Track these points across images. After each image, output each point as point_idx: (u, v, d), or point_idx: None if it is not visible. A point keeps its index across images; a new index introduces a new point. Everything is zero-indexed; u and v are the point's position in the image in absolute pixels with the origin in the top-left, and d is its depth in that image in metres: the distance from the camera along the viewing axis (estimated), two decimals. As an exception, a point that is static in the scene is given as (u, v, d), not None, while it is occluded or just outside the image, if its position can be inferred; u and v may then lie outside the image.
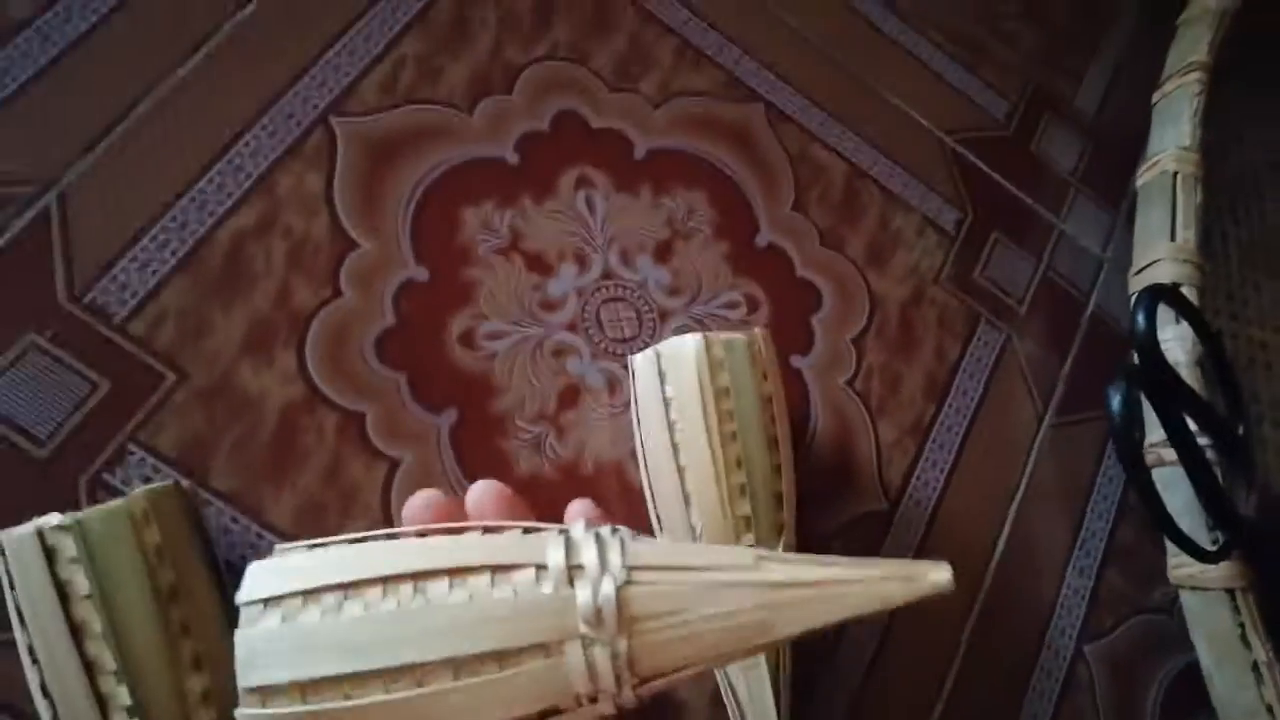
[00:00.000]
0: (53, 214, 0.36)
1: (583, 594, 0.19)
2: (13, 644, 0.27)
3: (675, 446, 0.36)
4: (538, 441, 0.40)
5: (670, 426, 0.36)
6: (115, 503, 0.28)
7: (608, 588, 0.19)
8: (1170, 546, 0.46)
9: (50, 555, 0.26)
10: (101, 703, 0.26)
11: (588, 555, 0.20)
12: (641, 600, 0.20)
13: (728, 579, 0.20)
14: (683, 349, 0.36)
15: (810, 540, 0.41)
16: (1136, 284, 0.51)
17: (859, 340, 0.47)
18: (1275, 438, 0.55)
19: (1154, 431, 0.45)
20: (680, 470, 0.36)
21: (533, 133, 0.44)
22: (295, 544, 0.21)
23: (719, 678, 0.37)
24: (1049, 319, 0.52)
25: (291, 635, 0.19)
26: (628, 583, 0.20)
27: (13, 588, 0.27)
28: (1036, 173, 0.56)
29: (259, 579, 0.20)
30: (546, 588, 0.20)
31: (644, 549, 0.21)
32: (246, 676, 0.19)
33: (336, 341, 0.38)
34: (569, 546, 0.20)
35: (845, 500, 0.44)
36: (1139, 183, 0.54)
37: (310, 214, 0.39)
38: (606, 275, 0.43)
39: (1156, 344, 0.41)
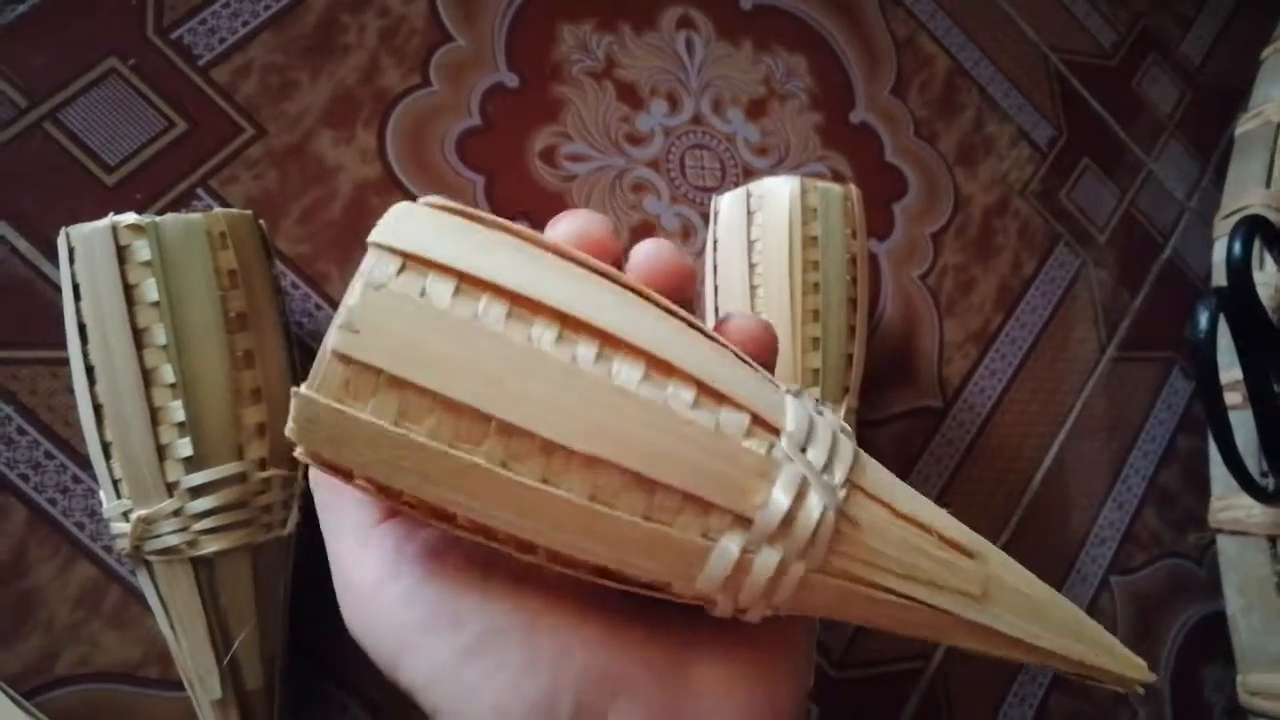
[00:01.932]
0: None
1: (789, 488, 0.15)
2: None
3: (754, 289, 0.35)
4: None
5: (751, 268, 0.35)
6: (193, 215, 0.26)
7: (827, 509, 0.15)
8: (1216, 489, 0.45)
9: (122, 255, 0.25)
10: (154, 415, 0.25)
11: (815, 448, 0.16)
12: (852, 536, 0.16)
13: (948, 566, 0.17)
14: (777, 189, 0.35)
15: (863, 424, 0.40)
16: (1223, 228, 0.49)
17: (938, 236, 0.45)
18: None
19: (1225, 371, 0.43)
20: (755, 311, 0.35)
21: (641, -38, 0.42)
22: (448, 203, 0.17)
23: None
24: (1126, 253, 0.50)
25: (424, 318, 0.15)
26: (845, 503, 0.16)
27: (77, 296, 0.25)
28: (1134, 108, 0.54)
29: (409, 223, 0.15)
30: (758, 448, 0.16)
31: (874, 471, 0.17)
32: (341, 339, 0.14)
33: (419, 131, 0.36)
34: (800, 417, 0.16)
35: (902, 390, 0.42)
36: (1239, 130, 0.52)
37: (409, -4, 0.37)
38: (696, 120, 0.41)
39: (1249, 270, 0.39)
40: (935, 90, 0.47)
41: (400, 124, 0.36)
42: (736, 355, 0.17)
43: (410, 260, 0.15)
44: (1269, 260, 0.46)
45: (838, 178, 0.43)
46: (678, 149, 0.41)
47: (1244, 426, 0.42)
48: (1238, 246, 0.40)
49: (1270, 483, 0.42)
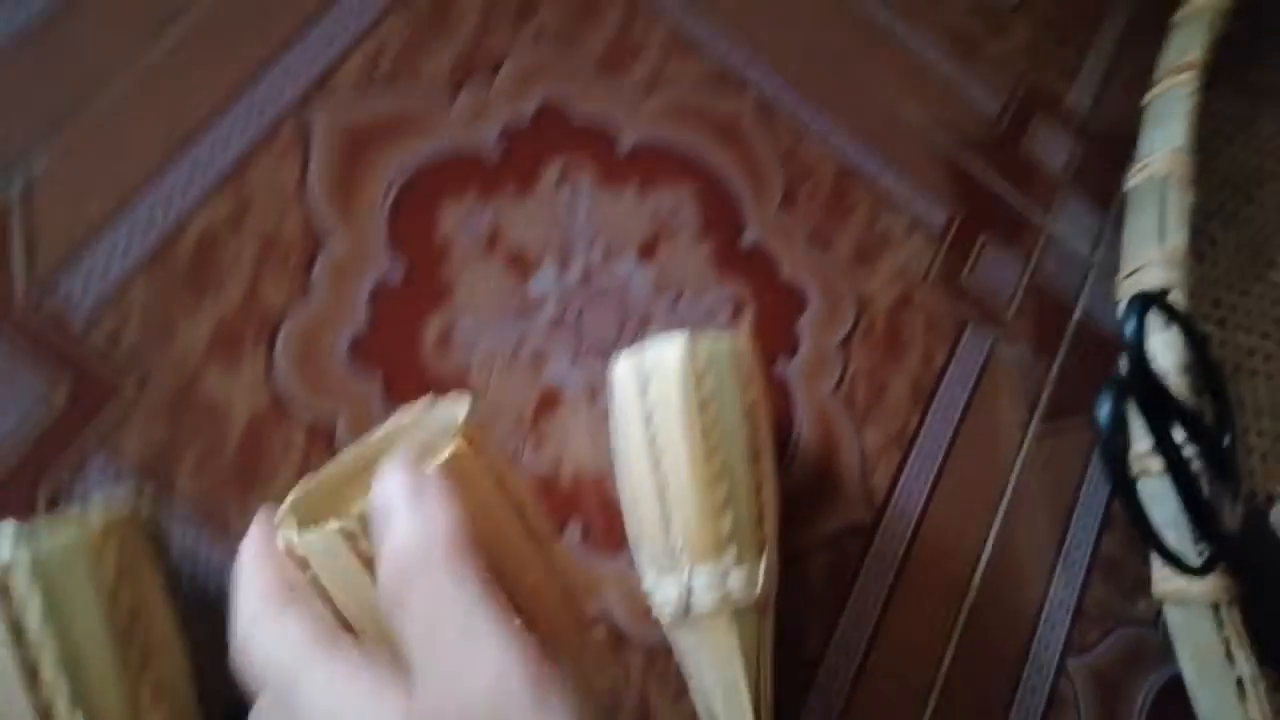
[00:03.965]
0: (13, 206, 0.34)
1: None
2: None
3: (655, 459, 0.35)
4: (514, 452, 0.38)
5: (651, 438, 0.35)
6: (69, 529, 0.26)
7: None
8: (1155, 560, 0.45)
9: (3, 591, 0.25)
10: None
11: None
12: None
13: None
14: (665, 356, 0.35)
15: (792, 555, 0.41)
16: (1125, 288, 0.50)
17: (845, 344, 0.46)
18: (1261, 445, 0.54)
19: (1140, 441, 0.44)
20: (660, 484, 0.35)
21: (516, 124, 0.43)
22: None
23: (696, 703, 0.36)
24: (1037, 323, 0.51)
25: None
26: None
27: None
28: (1027, 172, 0.55)
29: None
30: None
31: None
32: None
33: (307, 344, 0.37)
34: None
35: (829, 510, 0.43)
36: (1129, 185, 0.53)
37: (282, 209, 0.38)
38: (588, 274, 0.42)
39: (1145, 352, 0.40)
40: (824, 196, 0.48)
41: (287, 342, 0.36)
42: None
43: None
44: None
45: (735, 306, 0.44)
46: (574, 307, 0.41)
47: (1171, 493, 0.42)
48: (1131, 327, 0.40)
49: (1203, 548, 0.42)
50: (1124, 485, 0.38)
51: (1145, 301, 0.42)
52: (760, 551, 0.35)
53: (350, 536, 0.25)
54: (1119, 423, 0.39)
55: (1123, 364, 0.40)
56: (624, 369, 0.36)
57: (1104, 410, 0.38)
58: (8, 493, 0.31)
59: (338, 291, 0.38)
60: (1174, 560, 0.39)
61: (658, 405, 0.35)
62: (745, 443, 0.35)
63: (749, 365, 0.36)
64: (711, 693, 0.35)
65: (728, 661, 0.34)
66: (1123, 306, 0.49)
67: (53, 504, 0.32)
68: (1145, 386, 0.40)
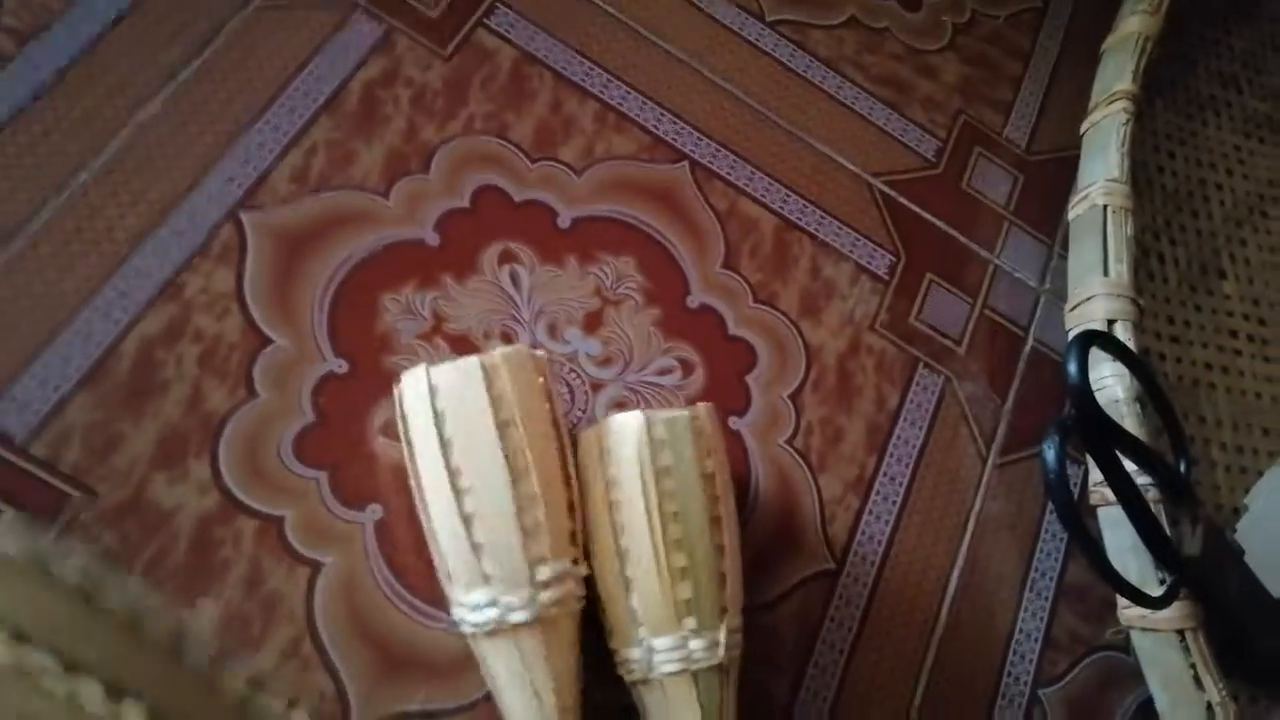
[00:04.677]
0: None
1: None
2: None
3: (615, 527, 0.35)
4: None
5: (610, 507, 0.36)
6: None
7: None
8: (1119, 587, 0.46)
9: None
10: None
11: None
12: None
13: None
14: (624, 429, 0.36)
15: (757, 608, 0.41)
16: (1072, 320, 0.51)
17: (796, 396, 0.46)
18: (1224, 458, 0.55)
19: (1098, 471, 0.44)
20: (621, 553, 0.35)
21: (453, 211, 0.44)
22: None
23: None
24: (988, 357, 0.52)
25: None
26: None
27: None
28: (969, 209, 0.56)
29: None
30: None
31: None
32: None
33: (252, 445, 0.37)
34: None
35: (791, 562, 0.43)
36: (1071, 216, 0.54)
37: (221, 314, 0.38)
38: (534, 350, 0.43)
39: (1090, 392, 0.40)
40: (766, 251, 0.49)
41: (232, 443, 0.37)
42: None
43: None
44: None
45: (686, 368, 0.45)
46: (520, 383, 0.42)
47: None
48: (1074, 368, 0.41)
49: (1164, 575, 0.43)
50: (1077, 529, 0.38)
51: (1085, 340, 0.42)
52: (721, 617, 0.35)
53: (490, 370, 0.33)
54: (1066, 467, 0.40)
55: (1068, 405, 0.41)
56: (584, 441, 0.37)
57: (1051, 454, 0.39)
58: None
59: (281, 389, 0.38)
60: (1132, 593, 0.39)
61: (618, 476, 0.35)
62: (706, 512, 0.36)
63: (709, 436, 0.37)
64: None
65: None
66: (1076, 326, 0.50)
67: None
68: (1091, 425, 0.41)
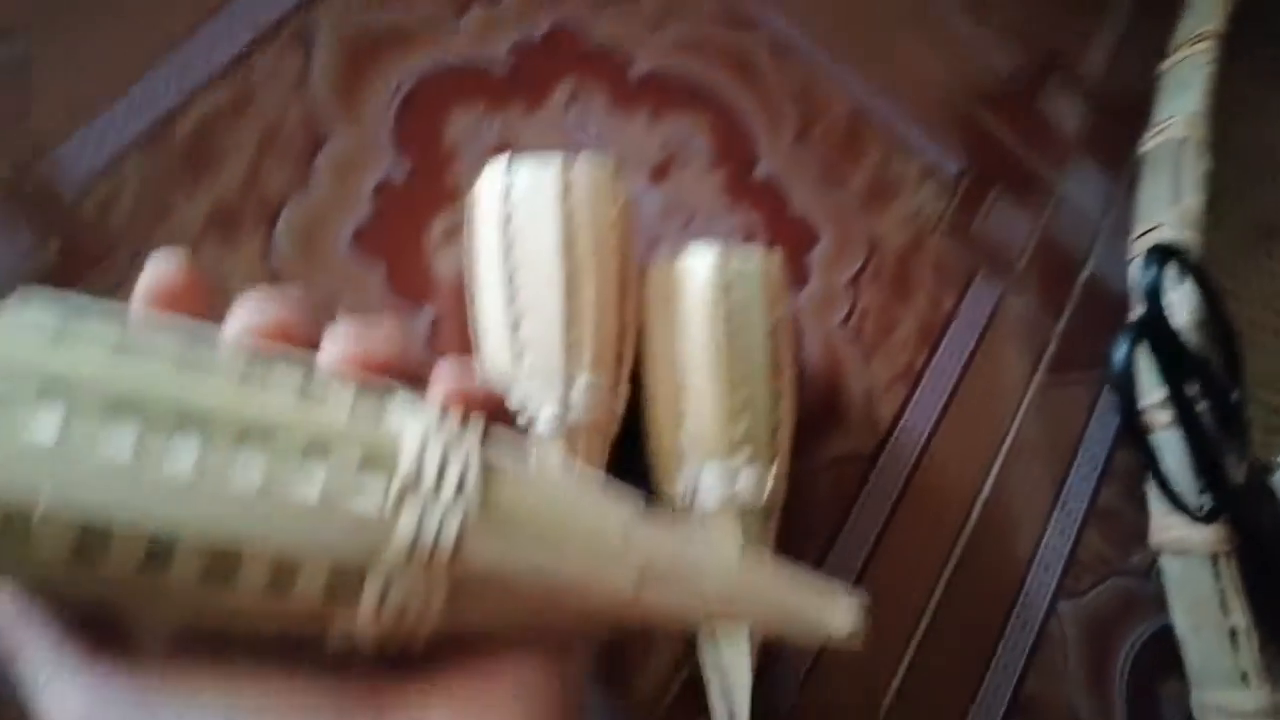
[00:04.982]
0: (12, 71, 0.33)
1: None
2: None
3: (676, 361, 0.34)
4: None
5: (674, 341, 0.35)
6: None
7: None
8: (1154, 510, 0.45)
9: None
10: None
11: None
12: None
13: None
14: (698, 262, 0.35)
15: (797, 475, 0.40)
16: (1137, 248, 0.50)
17: (854, 281, 0.45)
18: (1260, 417, 0.54)
19: (1147, 396, 0.43)
20: (679, 385, 0.34)
21: (524, 42, 0.42)
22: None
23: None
24: (1045, 278, 0.51)
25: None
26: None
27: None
28: (1040, 132, 0.54)
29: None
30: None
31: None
32: None
33: (309, 229, 0.36)
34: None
35: (833, 438, 0.42)
36: (1145, 149, 0.53)
37: (286, 99, 0.37)
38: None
39: (1163, 300, 0.39)
40: (838, 135, 0.48)
41: (288, 226, 0.35)
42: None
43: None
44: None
45: (746, 236, 0.43)
46: (580, 222, 0.40)
47: (1173, 449, 0.42)
48: (1150, 276, 0.40)
49: (1204, 502, 0.42)
50: (1135, 425, 0.37)
51: (1164, 253, 0.41)
52: (771, 462, 0.34)
53: (570, 174, 0.33)
54: (1130, 372, 0.39)
55: (1137, 314, 0.40)
56: (656, 273, 0.36)
57: (1120, 353, 0.38)
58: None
59: (341, 184, 0.37)
60: (1180, 505, 0.39)
61: (686, 307, 0.34)
62: (767, 357, 0.35)
63: (778, 285, 0.36)
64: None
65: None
66: (1136, 263, 0.49)
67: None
68: (1160, 334, 0.40)
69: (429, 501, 0.15)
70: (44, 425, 0.14)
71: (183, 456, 0.15)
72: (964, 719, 0.40)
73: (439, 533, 0.15)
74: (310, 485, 0.15)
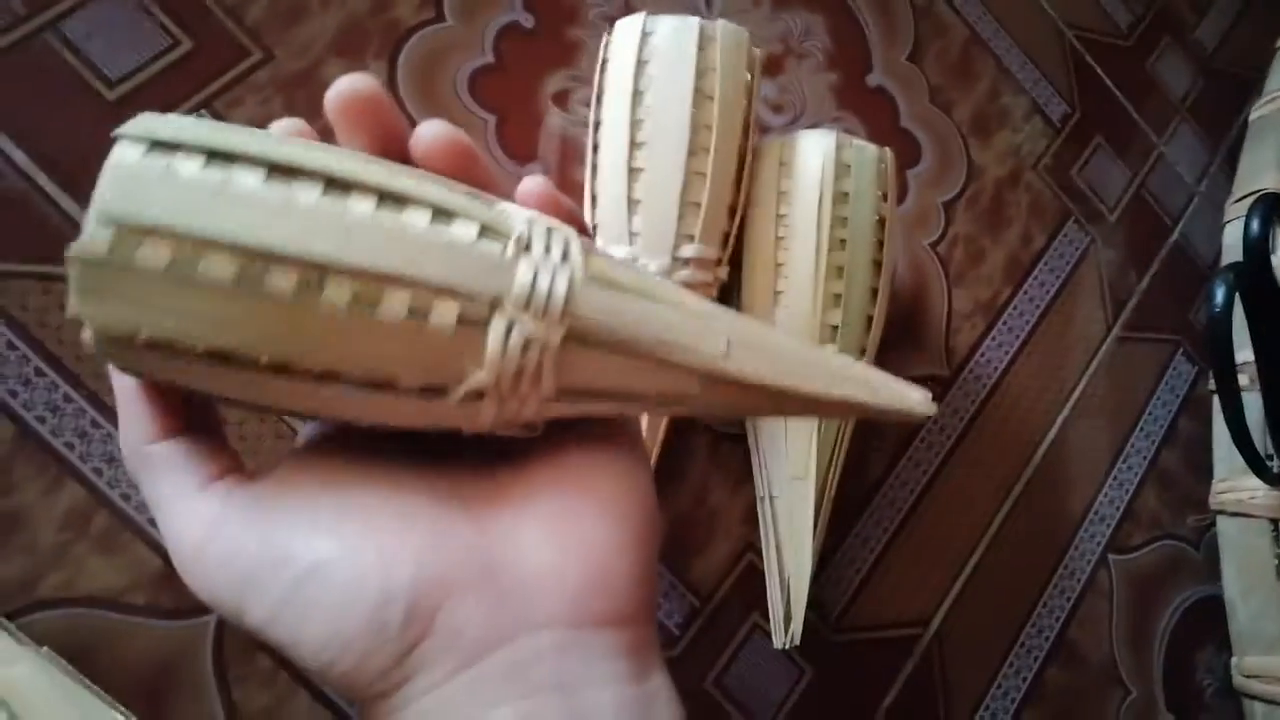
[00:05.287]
0: None
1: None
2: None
3: (779, 240, 0.34)
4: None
5: (778, 219, 0.34)
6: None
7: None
8: (1219, 470, 0.45)
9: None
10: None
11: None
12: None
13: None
14: (813, 142, 0.34)
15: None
16: (1235, 211, 0.49)
17: (950, 205, 0.45)
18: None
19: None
20: (777, 266, 0.34)
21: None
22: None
23: (757, 490, 0.35)
24: (1134, 234, 0.50)
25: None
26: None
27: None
28: (1147, 90, 0.53)
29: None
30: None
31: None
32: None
33: (430, 66, 0.35)
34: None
35: (909, 357, 0.42)
36: (1253, 115, 0.52)
37: (424, -73, 0.36)
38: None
39: (1267, 248, 0.39)
40: (952, 59, 0.47)
41: (411, 58, 0.35)
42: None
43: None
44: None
45: (852, 140, 0.43)
46: (692, 101, 0.40)
47: (1250, 409, 0.41)
48: (1256, 224, 0.39)
49: (1276, 464, 0.42)
50: (1227, 369, 0.37)
51: (1271, 202, 0.41)
52: (860, 355, 0.34)
53: (707, 36, 0.32)
54: (1228, 314, 0.38)
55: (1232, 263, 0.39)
56: (766, 150, 0.35)
57: (1219, 293, 0.37)
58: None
59: (468, 23, 0.36)
60: (1257, 462, 0.38)
61: (794, 187, 0.34)
62: (870, 251, 0.35)
63: (889, 181, 0.36)
64: (776, 481, 0.34)
65: (802, 452, 0.33)
66: (1233, 226, 0.48)
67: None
68: (1259, 283, 0.39)
69: (540, 261, 0.17)
70: (248, 178, 0.15)
71: (352, 206, 0.16)
72: (1006, 655, 0.40)
73: (552, 284, 0.17)
74: (441, 235, 0.16)
